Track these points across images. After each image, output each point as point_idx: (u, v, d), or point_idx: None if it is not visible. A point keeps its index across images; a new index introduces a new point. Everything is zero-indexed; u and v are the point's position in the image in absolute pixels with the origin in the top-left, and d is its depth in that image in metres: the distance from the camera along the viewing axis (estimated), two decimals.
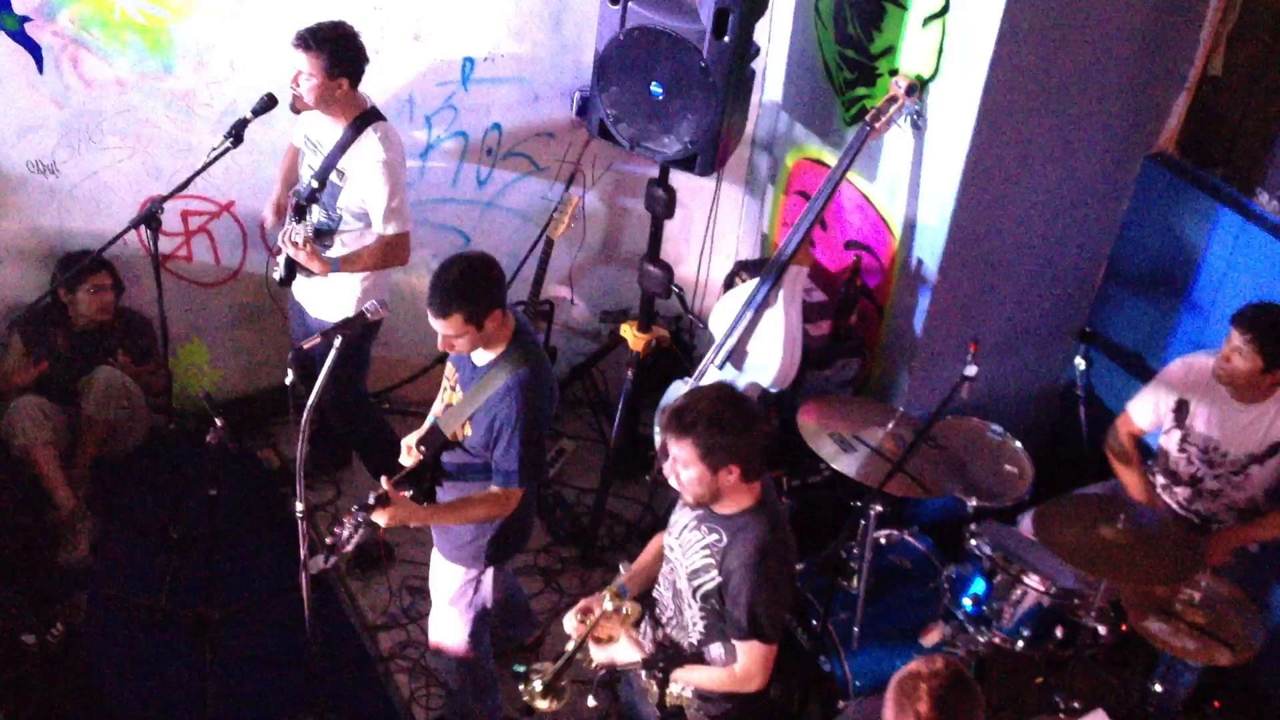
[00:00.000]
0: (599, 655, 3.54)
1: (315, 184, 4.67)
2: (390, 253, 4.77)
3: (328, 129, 4.66)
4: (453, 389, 3.98)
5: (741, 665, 3.40)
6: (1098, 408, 5.16)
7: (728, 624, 3.39)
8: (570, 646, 3.54)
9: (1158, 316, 5.07)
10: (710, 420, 3.22)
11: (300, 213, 4.70)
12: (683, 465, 3.28)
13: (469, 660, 4.31)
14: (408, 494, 3.82)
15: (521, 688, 3.57)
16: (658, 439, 5.14)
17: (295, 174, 4.93)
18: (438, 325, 3.67)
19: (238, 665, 4.76)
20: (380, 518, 3.70)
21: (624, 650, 3.52)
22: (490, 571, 4.15)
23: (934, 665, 2.95)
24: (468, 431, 3.88)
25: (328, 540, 3.76)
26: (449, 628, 4.26)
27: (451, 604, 4.21)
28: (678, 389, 5.14)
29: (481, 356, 3.84)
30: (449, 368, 4.04)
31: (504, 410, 3.75)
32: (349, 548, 3.72)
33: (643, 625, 3.71)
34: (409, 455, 3.99)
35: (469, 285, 3.65)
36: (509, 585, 4.52)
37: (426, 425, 4.08)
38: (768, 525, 3.35)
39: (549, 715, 3.65)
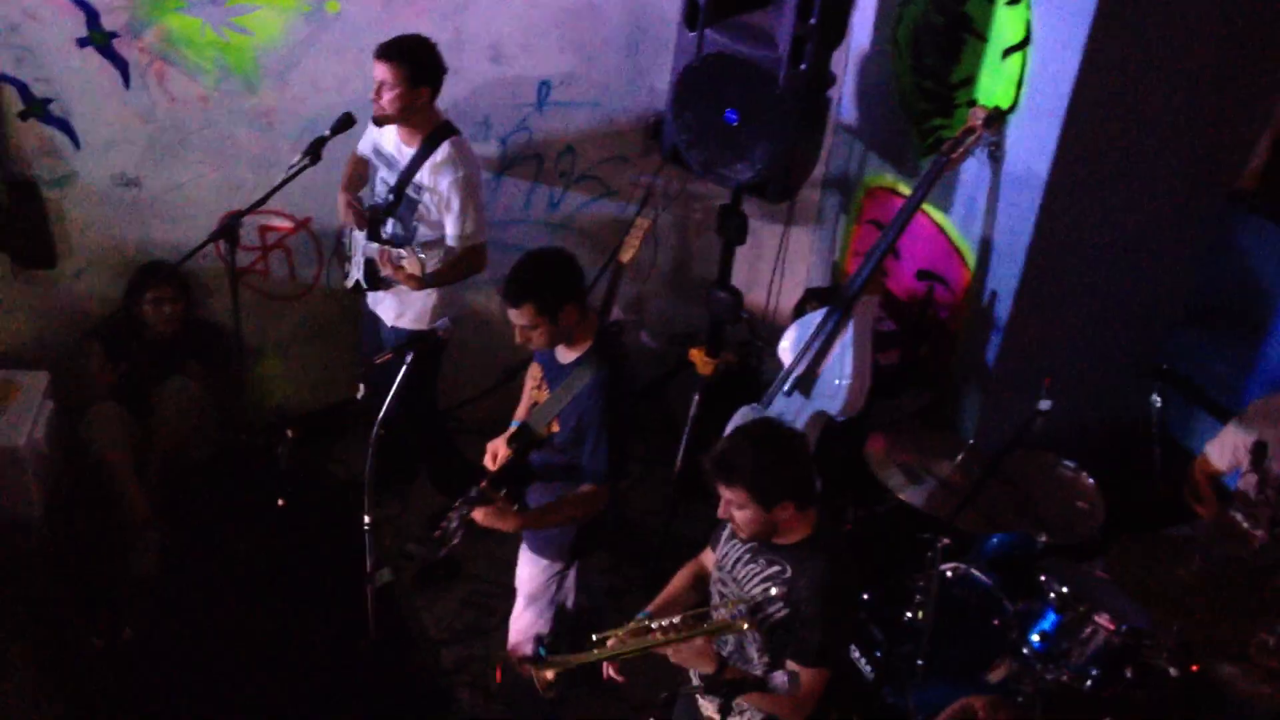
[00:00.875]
0: (671, 654, 3.40)
1: (391, 197, 4.72)
2: (469, 263, 4.82)
3: (402, 143, 4.71)
4: (539, 387, 4.02)
5: (806, 690, 3.36)
6: (1172, 446, 5.07)
7: (797, 650, 3.35)
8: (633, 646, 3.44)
9: (1235, 355, 4.98)
10: (756, 462, 3.23)
11: (375, 226, 4.76)
12: (737, 507, 3.28)
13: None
14: (500, 494, 3.87)
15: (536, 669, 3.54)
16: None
17: (358, 183, 4.98)
18: (512, 315, 3.76)
19: (302, 675, 4.79)
20: (476, 515, 3.77)
21: (696, 656, 3.37)
22: (574, 567, 4.18)
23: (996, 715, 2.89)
24: (555, 428, 3.94)
25: (434, 534, 3.84)
26: (530, 624, 4.28)
27: (534, 599, 4.25)
28: (745, 414, 5.13)
29: (566, 355, 3.91)
30: (535, 367, 4.10)
31: (590, 408, 3.82)
32: (456, 540, 3.81)
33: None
34: (493, 460, 4.01)
35: (542, 276, 3.75)
36: (594, 599, 4.54)
37: (512, 429, 4.12)
38: (834, 553, 3.35)
39: None
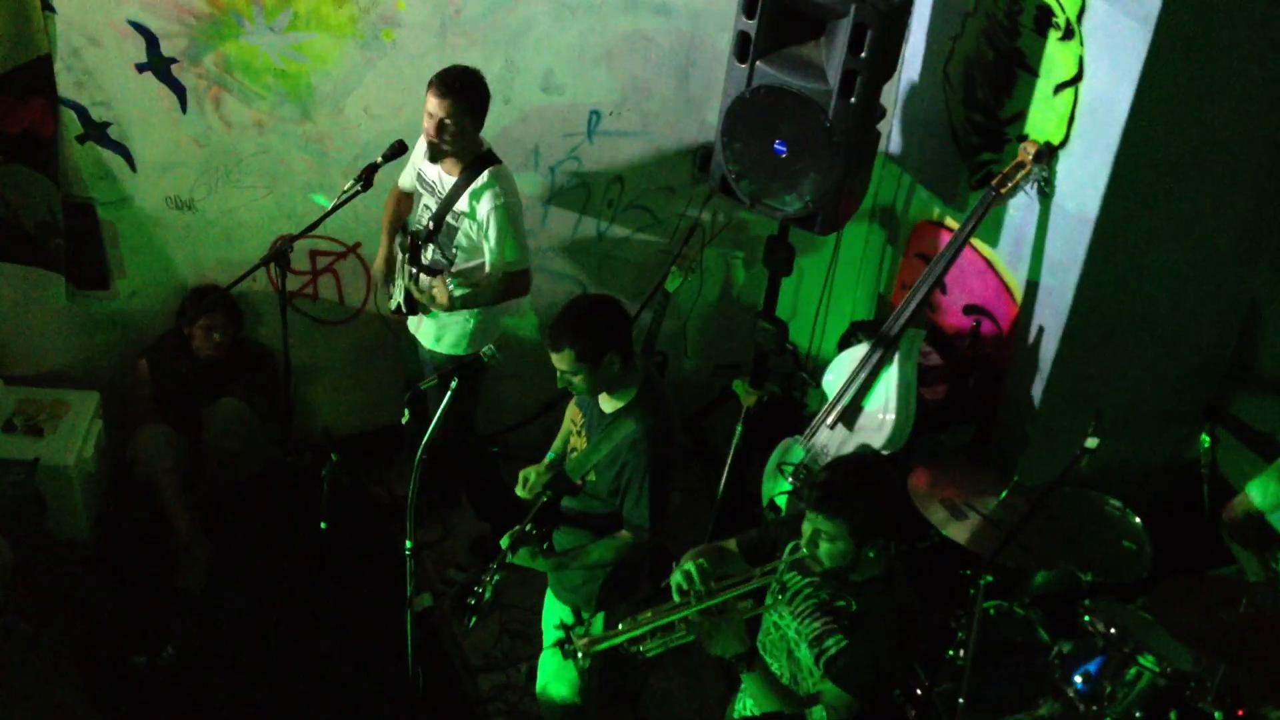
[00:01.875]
0: (700, 633, 3.26)
1: (432, 225, 4.76)
2: (510, 287, 4.84)
3: (444, 171, 4.75)
4: (578, 433, 4.01)
5: (829, 709, 3.29)
6: (1222, 488, 5.00)
7: (840, 672, 3.28)
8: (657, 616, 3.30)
9: None
10: (866, 498, 3.19)
11: (416, 252, 4.79)
12: (827, 539, 3.21)
13: (573, 707, 4.30)
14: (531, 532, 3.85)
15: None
16: (766, 495, 5.11)
17: (401, 219, 5.02)
18: (554, 359, 3.72)
19: (341, 699, 4.81)
20: (511, 556, 3.77)
21: (727, 631, 3.25)
22: (601, 616, 4.15)
23: None
24: (592, 478, 3.90)
25: (470, 602, 3.86)
26: (556, 672, 4.26)
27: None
28: (788, 446, 5.11)
29: (608, 404, 3.87)
30: (574, 411, 4.08)
31: (632, 461, 3.76)
32: (487, 604, 3.86)
33: None
34: (525, 486, 4.01)
35: (585, 322, 3.69)
36: None
37: (547, 460, 4.11)
38: (904, 596, 3.32)
39: None
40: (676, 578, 3.27)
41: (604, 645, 3.34)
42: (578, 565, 3.97)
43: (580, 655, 3.35)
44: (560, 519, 4.01)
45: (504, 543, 3.83)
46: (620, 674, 4.83)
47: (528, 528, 3.84)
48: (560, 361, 3.70)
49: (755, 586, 3.30)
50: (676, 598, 3.26)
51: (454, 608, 5.29)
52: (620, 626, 3.35)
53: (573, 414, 4.10)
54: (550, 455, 4.17)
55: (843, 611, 3.30)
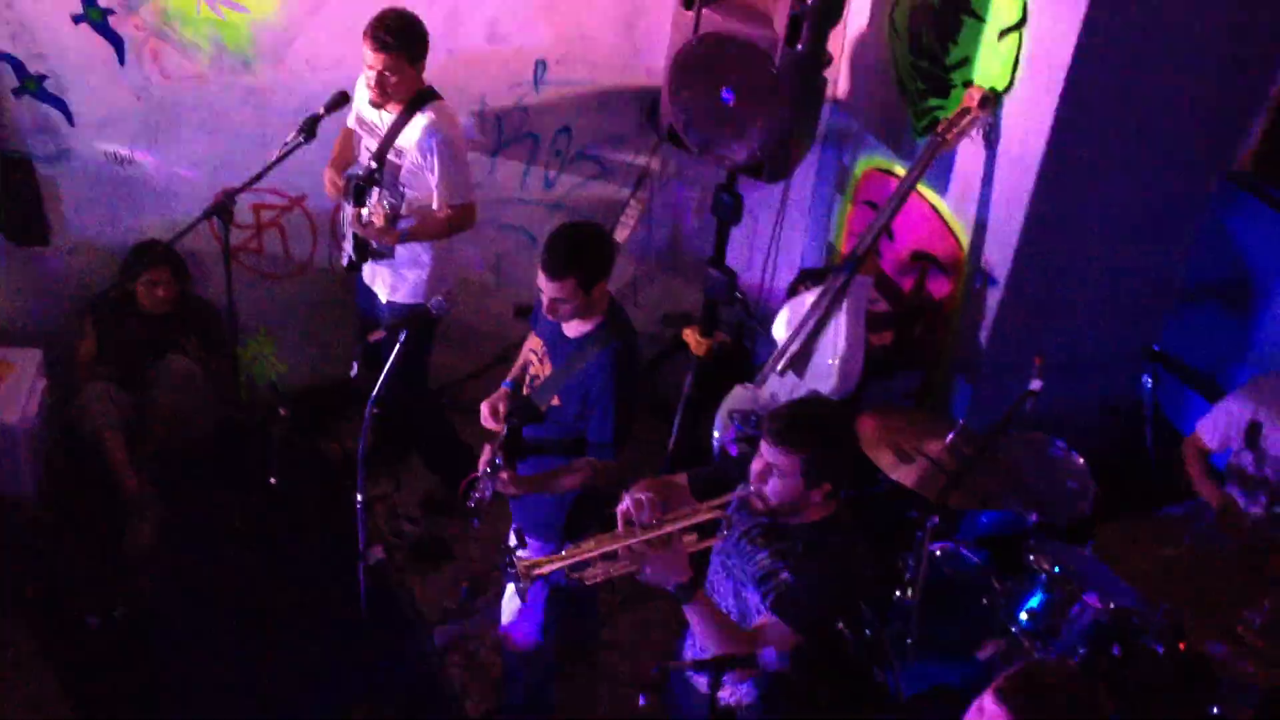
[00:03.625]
0: (642, 562, 3.19)
1: (374, 164, 4.71)
2: (456, 221, 4.80)
3: (384, 110, 4.70)
4: (540, 361, 4.01)
5: (763, 639, 3.26)
6: (1164, 427, 5.09)
7: (780, 604, 3.29)
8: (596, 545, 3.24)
9: (1230, 337, 4.99)
10: (822, 436, 3.20)
11: (359, 194, 4.74)
12: (778, 475, 3.22)
13: (535, 646, 4.33)
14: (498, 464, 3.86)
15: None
16: (716, 442, 5.14)
17: (347, 159, 4.98)
18: (550, 288, 3.72)
19: (295, 653, 4.81)
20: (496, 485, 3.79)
21: (670, 562, 3.18)
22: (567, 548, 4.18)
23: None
24: (556, 403, 3.92)
25: (470, 505, 3.84)
26: (524, 605, 4.28)
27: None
28: (739, 394, 5.14)
29: (574, 329, 3.89)
30: (535, 340, 4.08)
31: (600, 383, 3.79)
32: (488, 502, 3.83)
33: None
34: (491, 416, 4.00)
35: (588, 251, 3.73)
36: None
37: (503, 389, 4.12)
38: (850, 539, 3.34)
39: None
40: (623, 507, 3.26)
41: (546, 568, 3.28)
42: (546, 490, 3.98)
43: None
44: (525, 448, 4.02)
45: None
46: (578, 622, 4.86)
47: (496, 461, 3.84)
48: (559, 290, 3.71)
49: (702, 521, 3.29)
50: (622, 527, 3.24)
51: (409, 557, 5.30)
52: (563, 552, 3.31)
53: (533, 344, 4.10)
54: (505, 386, 4.17)
55: (788, 552, 3.32)
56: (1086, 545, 4.44)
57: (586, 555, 3.20)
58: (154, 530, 5.15)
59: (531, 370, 4.07)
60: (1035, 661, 2.84)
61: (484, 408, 4.02)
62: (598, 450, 3.89)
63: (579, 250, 3.72)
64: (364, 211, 4.62)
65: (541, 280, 3.74)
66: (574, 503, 4.07)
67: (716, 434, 5.17)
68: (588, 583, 3.23)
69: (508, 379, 4.22)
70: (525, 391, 4.05)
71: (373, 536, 4.04)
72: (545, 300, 3.78)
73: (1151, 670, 4.19)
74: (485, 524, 3.98)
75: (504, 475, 3.81)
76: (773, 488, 3.24)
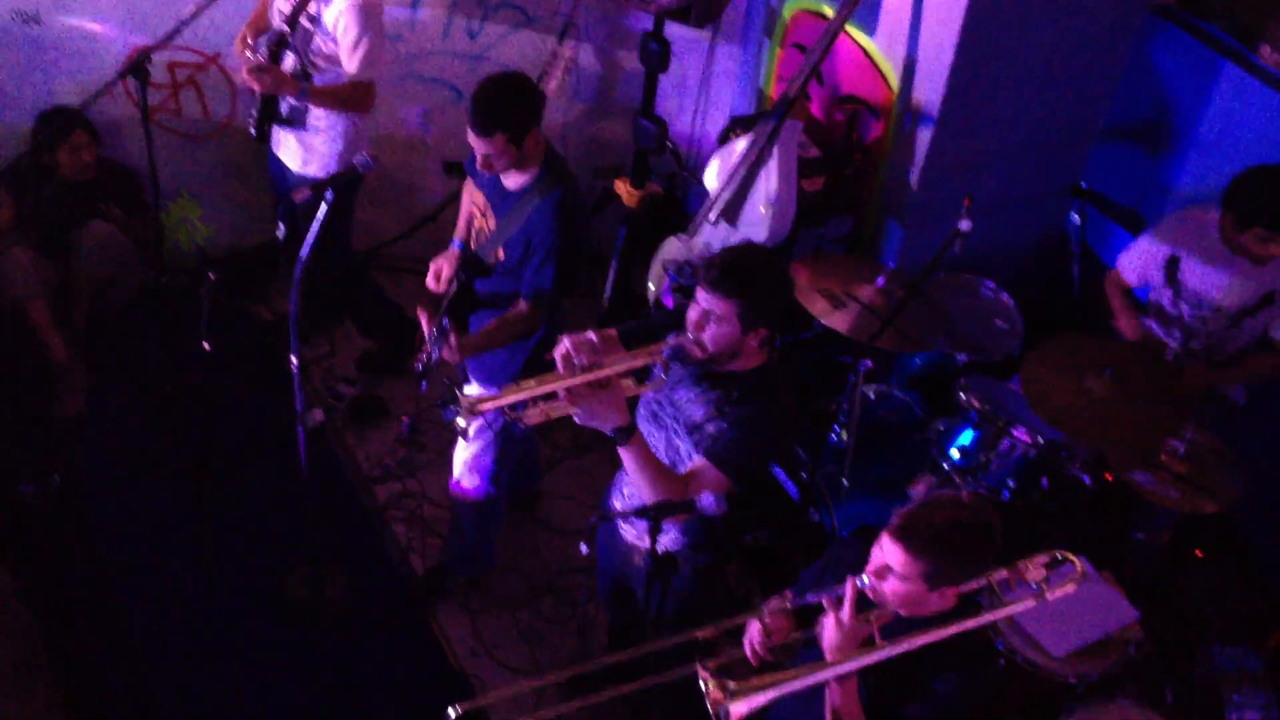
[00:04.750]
0: (581, 403, 3.14)
1: (286, 28, 4.56)
2: (354, 97, 4.67)
3: None
4: (482, 215, 3.99)
5: (695, 484, 3.34)
6: (1091, 263, 5.16)
7: (710, 447, 3.32)
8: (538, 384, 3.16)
9: (1154, 171, 5.04)
10: (759, 280, 3.19)
11: (272, 60, 4.61)
12: (715, 320, 3.21)
13: (485, 495, 4.38)
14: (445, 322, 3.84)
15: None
16: (651, 293, 5.15)
17: (265, 21, 4.82)
18: (480, 144, 3.70)
19: (235, 518, 4.84)
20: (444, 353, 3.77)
21: (608, 403, 3.16)
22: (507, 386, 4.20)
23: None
24: (502, 256, 3.91)
25: (417, 368, 3.81)
26: (476, 453, 4.31)
27: (480, 430, 4.25)
28: (672, 245, 5.13)
29: (513, 180, 3.86)
30: (476, 195, 4.05)
31: (541, 230, 3.79)
32: (435, 364, 3.81)
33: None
34: (438, 279, 4.00)
35: (515, 104, 3.69)
36: (527, 430, 4.54)
37: (454, 249, 4.11)
38: (782, 386, 3.36)
39: None
40: (561, 350, 3.21)
41: (488, 405, 3.21)
42: (487, 345, 3.97)
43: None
44: (476, 303, 4.01)
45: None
46: (520, 473, 4.92)
47: (443, 323, 3.82)
48: (489, 146, 3.69)
49: (639, 366, 3.26)
50: (562, 368, 3.18)
51: (346, 417, 5.31)
52: (502, 391, 3.24)
53: (475, 198, 4.07)
54: (455, 245, 4.14)
55: (722, 399, 3.34)
56: (1013, 380, 4.53)
57: (527, 394, 3.16)
58: (85, 397, 5.11)
59: (476, 224, 4.05)
60: (930, 497, 2.90)
61: (430, 269, 3.99)
62: (535, 293, 3.87)
63: (506, 104, 3.68)
64: (251, 62, 4.45)
65: (471, 137, 3.70)
66: (530, 351, 4.06)
67: (651, 286, 5.18)
68: (526, 423, 3.22)
69: (455, 238, 4.19)
70: (472, 247, 4.03)
71: (310, 399, 4.03)
72: (478, 157, 3.74)
73: (1079, 500, 4.34)
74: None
75: (452, 340, 3.79)
76: (710, 334, 3.24)
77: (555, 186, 3.82)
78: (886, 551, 2.84)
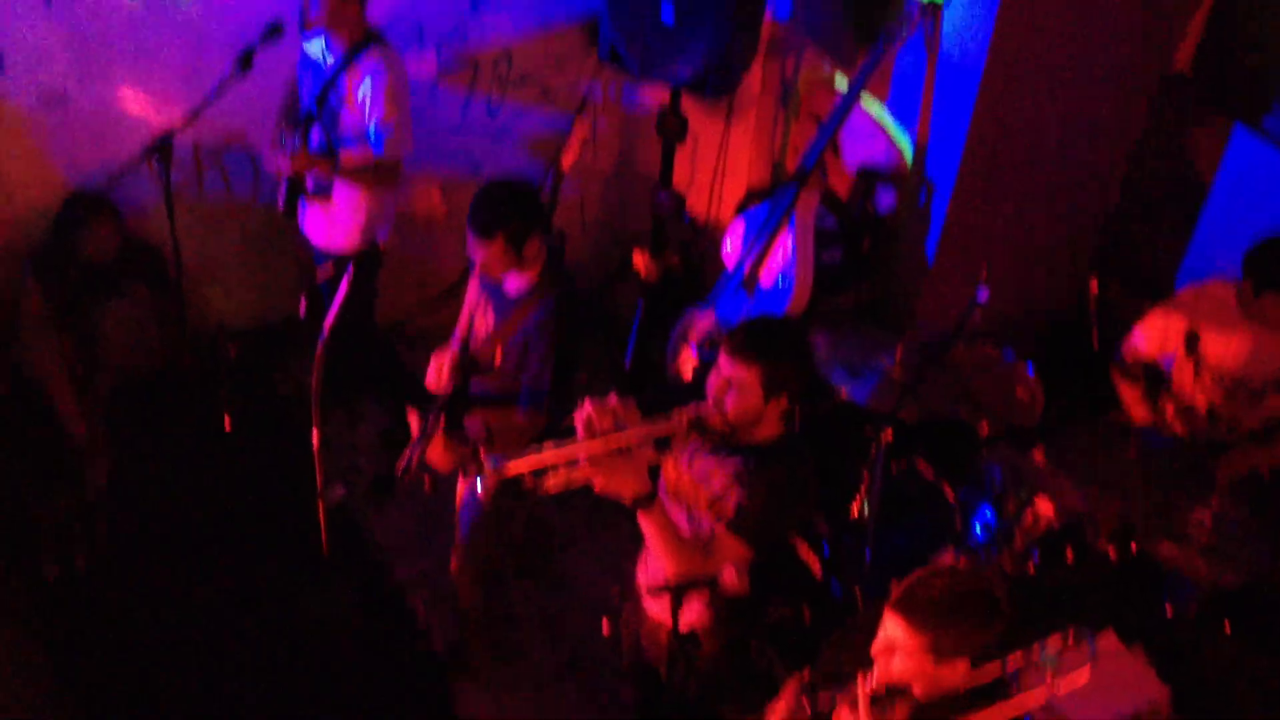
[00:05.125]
0: (603, 469, 3.14)
1: (315, 106, 4.64)
2: (381, 175, 4.75)
3: (328, 51, 4.63)
4: (483, 314, 4.01)
5: (719, 555, 3.33)
6: (1110, 333, 5.14)
7: (731, 519, 3.32)
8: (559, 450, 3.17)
9: (1171, 241, 5.03)
10: (783, 349, 3.23)
11: (301, 136, 4.68)
12: (737, 389, 3.22)
13: (490, 559, 4.41)
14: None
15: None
16: (669, 366, 5.16)
17: (291, 100, 4.89)
18: (479, 248, 3.73)
19: (256, 593, 4.83)
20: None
21: (628, 471, 3.18)
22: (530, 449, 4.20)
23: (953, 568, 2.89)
24: (500, 357, 3.93)
25: (398, 474, 3.90)
26: (477, 523, 4.31)
27: (478, 507, 4.26)
28: (691, 316, 5.15)
29: (514, 282, 3.89)
30: (476, 294, 4.06)
31: (537, 336, 3.80)
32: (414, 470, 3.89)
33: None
34: (439, 374, 4.00)
35: (515, 210, 3.72)
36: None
37: (455, 350, 4.11)
38: (800, 455, 3.36)
39: None
40: (582, 413, 3.19)
41: (512, 468, 3.17)
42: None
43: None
44: (472, 401, 4.02)
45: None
46: (534, 549, 4.91)
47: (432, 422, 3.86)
48: (489, 250, 3.71)
49: (661, 434, 3.27)
50: (582, 434, 3.17)
51: (367, 493, 5.30)
52: (524, 454, 3.20)
53: (474, 294, 4.10)
54: (455, 344, 4.17)
55: (740, 469, 3.33)
56: (1036, 451, 4.50)
57: (550, 457, 3.15)
58: (107, 477, 5.13)
59: (476, 323, 4.07)
60: (927, 570, 2.89)
61: (430, 367, 4.01)
62: (533, 399, 3.89)
63: (505, 209, 3.71)
64: (286, 146, 4.55)
65: (471, 241, 3.73)
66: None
67: (669, 357, 5.19)
68: (547, 491, 3.19)
69: (455, 336, 4.21)
70: (470, 345, 4.05)
71: (331, 474, 4.04)
72: (478, 260, 3.77)
73: (1104, 572, 4.29)
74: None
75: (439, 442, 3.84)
76: (732, 402, 3.24)
77: (553, 290, 3.84)
78: (888, 627, 2.83)
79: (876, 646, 2.87)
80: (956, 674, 2.81)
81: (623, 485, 3.17)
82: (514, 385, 3.94)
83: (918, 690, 2.86)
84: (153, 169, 5.06)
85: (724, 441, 3.38)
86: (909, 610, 2.78)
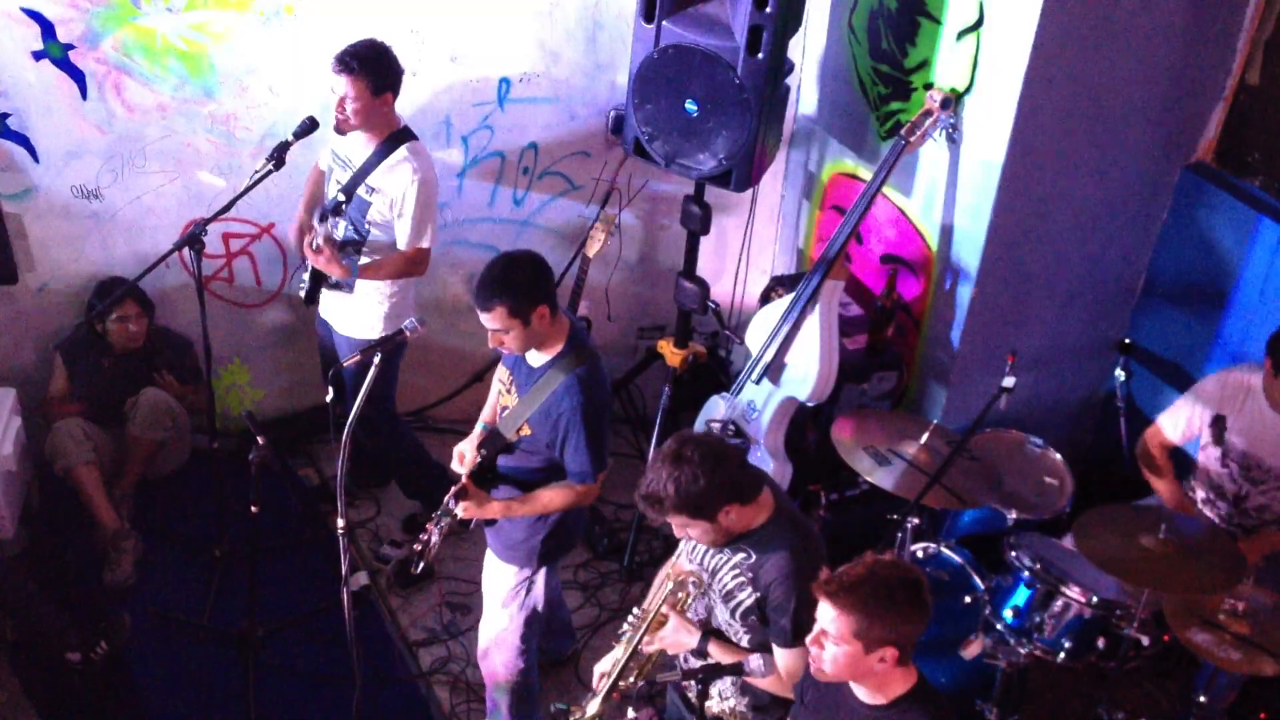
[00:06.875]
0: (656, 644, 3.54)
1: (342, 197, 4.71)
2: (410, 265, 4.80)
3: (359, 145, 4.70)
4: (508, 392, 4.02)
5: (788, 670, 3.40)
6: (1138, 419, 5.12)
7: (771, 633, 3.40)
8: (622, 653, 3.56)
9: (1197, 327, 5.03)
10: (679, 487, 3.22)
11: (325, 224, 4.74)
12: (686, 528, 3.35)
13: (517, 667, 4.33)
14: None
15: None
16: None
17: (319, 196, 4.97)
18: (484, 319, 3.73)
19: (280, 682, 4.80)
20: (460, 509, 3.86)
21: (675, 633, 3.50)
22: (543, 572, 4.20)
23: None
24: (526, 432, 3.93)
25: (415, 546, 3.92)
26: (501, 630, 4.28)
27: (504, 606, 4.24)
28: (715, 405, 5.15)
29: (537, 358, 3.89)
30: (502, 371, 4.09)
31: (567, 409, 3.80)
32: (434, 551, 3.94)
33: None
34: (461, 462, 4.02)
35: (513, 279, 3.71)
36: (554, 596, 4.53)
37: (478, 430, 4.13)
38: (796, 532, 3.39)
39: None
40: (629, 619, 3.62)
41: (599, 701, 3.55)
42: (527, 510, 3.98)
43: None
44: (497, 478, 4.03)
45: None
46: (556, 636, 4.86)
47: (449, 504, 3.89)
48: (492, 321, 3.71)
49: (676, 581, 3.55)
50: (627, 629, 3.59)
51: (394, 577, 5.29)
52: (596, 682, 3.62)
53: (500, 374, 4.12)
54: (480, 425, 4.18)
55: (744, 563, 3.40)
56: (1065, 537, 4.47)
57: (624, 675, 3.55)
58: (133, 565, 5.13)
59: (500, 400, 4.08)
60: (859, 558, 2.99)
61: (455, 453, 4.05)
62: (580, 477, 3.91)
63: (505, 279, 3.70)
64: (317, 239, 4.62)
65: (478, 313, 3.74)
66: (550, 528, 4.08)
67: None
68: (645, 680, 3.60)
69: (482, 419, 4.23)
70: (495, 423, 4.06)
71: (356, 562, 4.03)
72: (489, 334, 3.78)
73: (1136, 661, 4.22)
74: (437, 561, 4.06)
75: (468, 503, 3.89)
76: (695, 535, 3.39)
77: (578, 364, 3.83)
78: (819, 613, 2.95)
79: (810, 638, 2.99)
80: (889, 668, 2.93)
81: (680, 647, 3.52)
82: (543, 460, 3.94)
83: (855, 682, 3.02)
84: (183, 259, 5.15)
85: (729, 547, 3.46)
86: (834, 593, 2.90)
